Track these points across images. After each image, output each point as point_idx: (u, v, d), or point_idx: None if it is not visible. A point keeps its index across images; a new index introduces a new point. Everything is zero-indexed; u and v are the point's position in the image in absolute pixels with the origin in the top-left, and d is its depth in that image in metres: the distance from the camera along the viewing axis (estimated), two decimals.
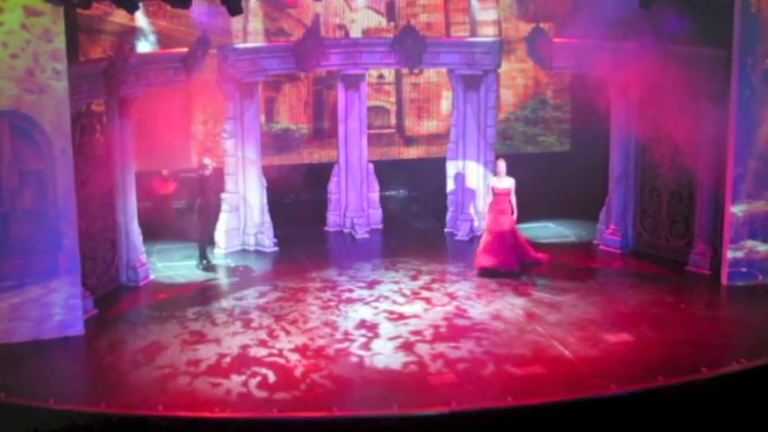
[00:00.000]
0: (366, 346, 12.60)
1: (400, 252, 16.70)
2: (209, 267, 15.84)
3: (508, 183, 15.24)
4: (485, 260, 15.19)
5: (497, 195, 15.24)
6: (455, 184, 17.78)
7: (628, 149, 16.36)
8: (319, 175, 18.60)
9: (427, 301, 14.28)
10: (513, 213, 15.20)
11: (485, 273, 15.12)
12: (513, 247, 15.18)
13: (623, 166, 16.44)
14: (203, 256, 15.93)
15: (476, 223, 17.33)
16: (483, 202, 16.39)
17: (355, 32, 19.22)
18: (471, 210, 17.48)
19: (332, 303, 14.24)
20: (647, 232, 16.38)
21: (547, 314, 13.62)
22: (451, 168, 17.81)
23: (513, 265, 15.13)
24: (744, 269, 14.58)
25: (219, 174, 16.46)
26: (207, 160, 16.04)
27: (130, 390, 11.40)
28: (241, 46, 17.14)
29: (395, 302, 14.22)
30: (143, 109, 15.73)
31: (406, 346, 12.58)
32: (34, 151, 12.69)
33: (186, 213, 16.40)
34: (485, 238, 15.34)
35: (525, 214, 15.77)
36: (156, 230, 16.47)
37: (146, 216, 15.97)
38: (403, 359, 12.18)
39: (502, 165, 15.33)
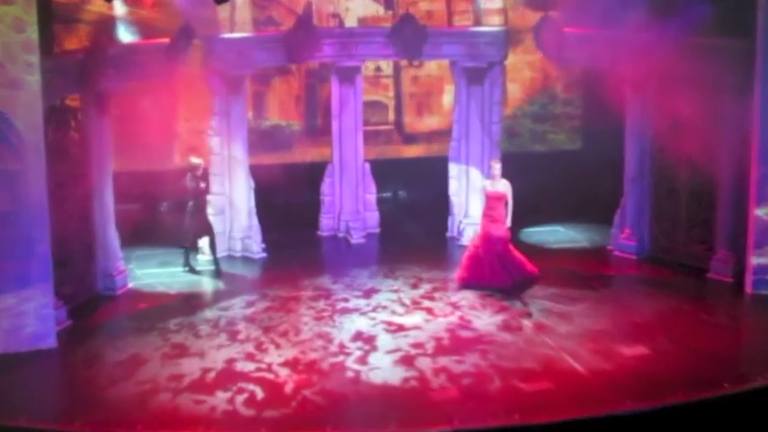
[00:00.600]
0: (362, 360, 12.57)
1: (399, 258, 16.68)
2: (193, 272, 15.85)
3: (502, 186, 14.89)
4: (467, 273, 14.92)
5: (490, 199, 14.93)
6: (458, 185, 17.77)
7: (643, 147, 16.36)
8: (312, 175, 18.58)
9: (428, 311, 14.25)
10: (506, 220, 14.86)
11: (465, 286, 14.90)
12: (503, 259, 14.81)
13: (639, 166, 16.43)
14: (186, 261, 15.91)
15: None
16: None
17: (350, 21, 19.21)
18: (475, 213, 17.44)
19: (325, 314, 14.21)
20: (664, 236, 16.36)
21: (557, 325, 13.60)
22: (454, 168, 17.80)
23: (504, 281, 14.73)
24: None
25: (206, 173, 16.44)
26: (196, 159, 15.99)
27: (108, 407, 11.36)
28: (227, 36, 17.13)
29: (393, 313, 14.20)
30: (122, 105, 15.70)
31: (406, 360, 12.55)
32: (6, 150, 12.65)
33: (174, 216, 16.40)
34: (471, 247, 15.09)
35: (533, 218, 15.73)
36: (136, 235, 16.45)
37: (126, 219, 15.95)
38: (402, 374, 12.15)
39: (496, 166, 15.00)
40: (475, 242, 15.13)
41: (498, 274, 14.81)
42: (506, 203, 14.92)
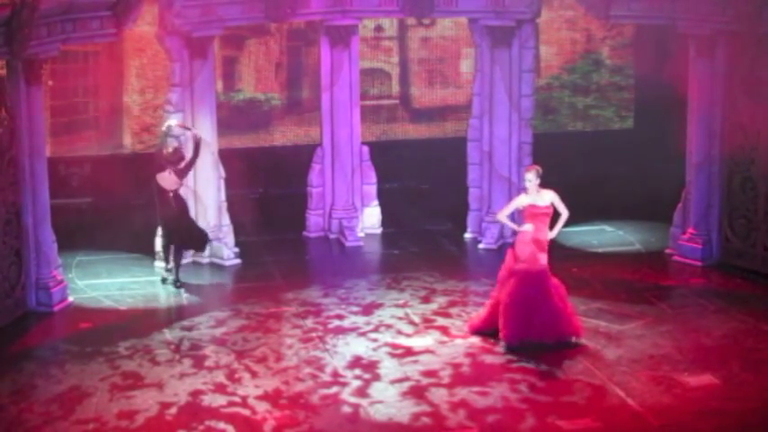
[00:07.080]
0: (362, 392, 12.60)
1: (406, 265, 16.76)
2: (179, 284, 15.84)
3: (548, 199, 13.65)
4: (516, 329, 13.49)
5: (538, 218, 13.61)
6: (479, 174, 17.79)
7: (711, 127, 16.35)
8: (296, 161, 18.59)
9: (443, 330, 14.28)
10: (554, 230, 13.81)
11: (514, 347, 13.57)
12: (555, 300, 13.60)
13: (705, 149, 16.44)
14: (176, 267, 15.87)
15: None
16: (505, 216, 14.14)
17: None
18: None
19: (315, 335, 14.24)
20: (737, 238, 16.37)
21: (604, 348, 13.62)
22: (474, 152, 17.82)
23: (548, 335, 13.58)
24: None
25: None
26: (173, 120, 15.91)
27: None
28: None
29: (400, 333, 14.24)
30: (59, 73, 15.71)
31: (416, 392, 12.58)
32: None
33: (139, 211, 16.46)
34: (513, 292, 13.61)
35: (573, 214, 15.63)
36: (77, 236, 16.47)
37: (65, 216, 15.95)
38: (411, 409, 12.17)
39: (531, 176, 13.62)
40: (519, 284, 13.59)
41: (546, 323, 13.60)
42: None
